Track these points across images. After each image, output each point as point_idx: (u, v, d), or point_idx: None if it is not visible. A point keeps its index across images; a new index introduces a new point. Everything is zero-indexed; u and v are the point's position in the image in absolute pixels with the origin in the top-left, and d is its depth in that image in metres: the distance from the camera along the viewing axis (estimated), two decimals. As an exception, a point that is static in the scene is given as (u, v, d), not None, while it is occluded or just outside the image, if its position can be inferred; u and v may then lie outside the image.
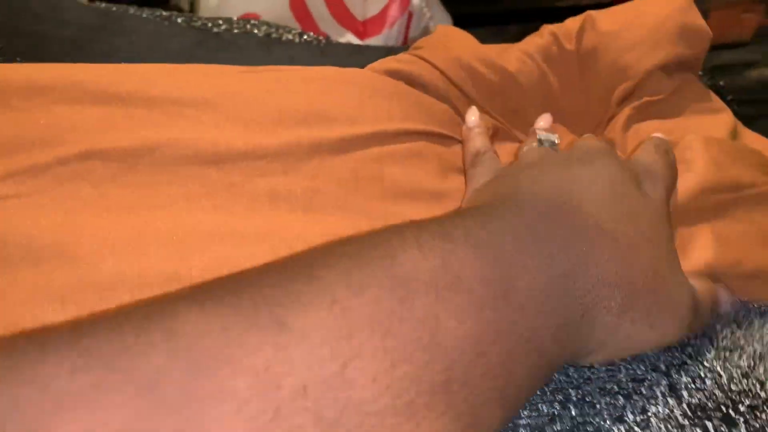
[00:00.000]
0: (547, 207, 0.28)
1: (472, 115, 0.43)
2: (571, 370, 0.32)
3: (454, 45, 0.47)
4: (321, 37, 0.59)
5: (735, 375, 0.33)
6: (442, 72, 0.43)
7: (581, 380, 0.32)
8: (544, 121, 0.44)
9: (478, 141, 0.40)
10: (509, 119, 0.46)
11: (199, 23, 0.57)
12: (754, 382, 0.33)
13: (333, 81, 0.40)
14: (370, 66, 0.45)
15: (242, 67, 0.42)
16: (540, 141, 0.37)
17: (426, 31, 0.89)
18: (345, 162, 0.37)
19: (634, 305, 0.29)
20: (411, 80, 0.43)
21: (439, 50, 0.45)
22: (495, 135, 0.44)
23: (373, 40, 0.84)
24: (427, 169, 0.39)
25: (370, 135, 0.38)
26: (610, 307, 0.28)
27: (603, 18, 0.48)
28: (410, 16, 0.88)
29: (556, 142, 0.38)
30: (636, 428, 0.30)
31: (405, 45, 0.87)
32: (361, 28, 0.85)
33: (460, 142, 0.43)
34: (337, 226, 0.35)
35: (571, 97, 0.49)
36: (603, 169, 0.30)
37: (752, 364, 0.34)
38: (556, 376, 0.32)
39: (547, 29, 0.50)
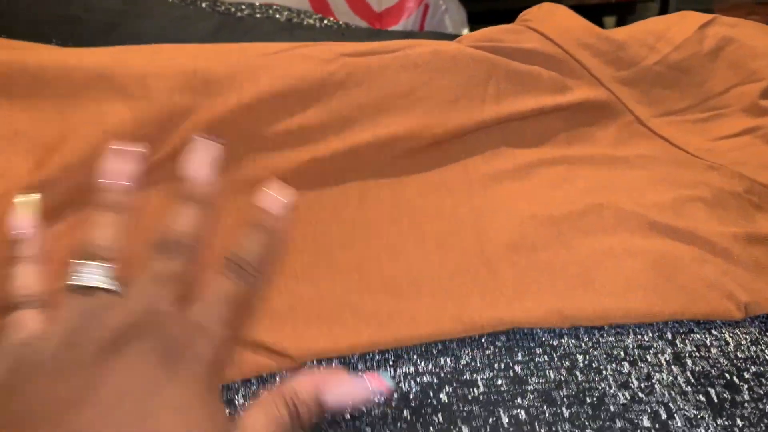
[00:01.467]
0: None
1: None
2: (582, 331, 0.33)
3: (562, 18, 0.47)
4: (341, 23, 0.60)
5: (743, 342, 0.34)
6: (552, 40, 0.44)
7: (590, 345, 0.33)
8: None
9: (27, 280, 0.28)
10: (617, 90, 0.45)
11: (222, 8, 0.59)
12: (763, 348, 0.34)
13: (434, 67, 0.41)
14: (470, 35, 0.46)
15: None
16: (74, 287, 0.26)
17: (441, 24, 0.89)
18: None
19: None
20: (515, 50, 0.43)
21: (547, 21, 0.46)
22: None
23: (389, 33, 0.85)
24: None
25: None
26: None
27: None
28: (426, 7, 0.88)
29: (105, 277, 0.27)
30: (640, 394, 0.31)
31: (427, 31, 0.87)
32: (377, 19, 0.86)
33: (567, 108, 0.43)
34: None
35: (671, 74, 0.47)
36: (131, 368, 0.24)
37: (765, 329, 0.35)
38: (565, 340, 0.33)
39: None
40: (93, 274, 0.27)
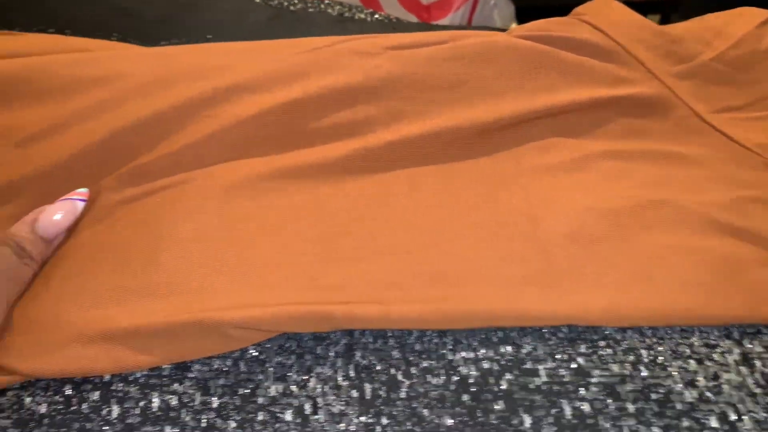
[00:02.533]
0: None
1: None
2: (646, 329, 0.32)
3: (616, 12, 0.47)
4: (392, 17, 0.61)
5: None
6: (605, 33, 0.44)
7: (654, 341, 0.32)
8: None
9: None
10: (673, 84, 0.44)
11: (275, 1, 0.59)
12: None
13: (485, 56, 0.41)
14: (521, 27, 0.45)
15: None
16: None
17: (490, 19, 0.89)
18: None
19: None
20: (567, 41, 0.43)
21: (601, 15, 0.46)
22: None
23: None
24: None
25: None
26: None
27: None
28: (475, 2, 0.88)
29: None
30: (708, 393, 0.30)
31: (475, 25, 0.87)
32: (426, 13, 0.86)
33: (622, 101, 0.42)
34: None
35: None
36: None
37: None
38: (629, 333, 0.32)
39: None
40: None
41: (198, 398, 0.29)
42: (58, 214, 0.33)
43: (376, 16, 0.59)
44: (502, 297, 0.31)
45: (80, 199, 0.34)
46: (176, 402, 0.29)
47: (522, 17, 0.94)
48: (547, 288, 0.32)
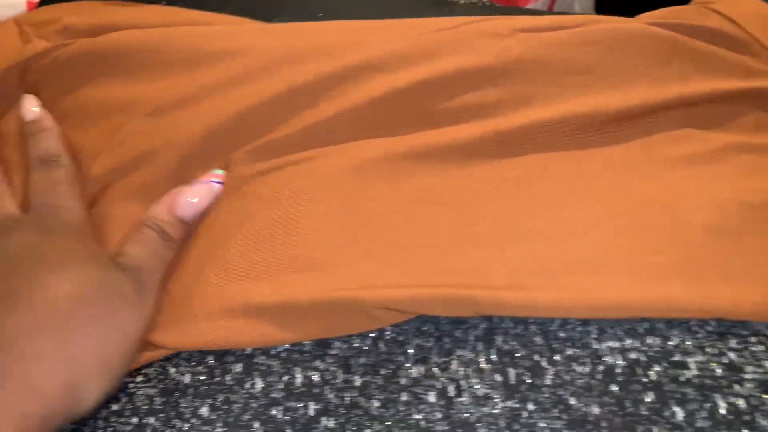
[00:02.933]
0: None
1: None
2: None
3: (746, 2, 0.45)
4: (486, 1, 0.60)
5: None
6: (737, 24, 0.43)
7: None
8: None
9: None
10: None
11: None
12: None
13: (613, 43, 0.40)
14: (648, 14, 0.44)
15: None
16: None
17: (571, 7, 0.88)
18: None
19: None
20: (699, 29, 0.42)
21: (731, 5, 0.44)
22: None
23: (517, 12, 0.84)
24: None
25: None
26: None
27: None
28: (557, -12, 0.87)
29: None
30: None
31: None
32: (506, 1, 0.85)
33: (756, 94, 0.40)
34: None
35: None
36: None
37: None
38: None
39: None
40: None
41: (340, 376, 0.29)
42: (195, 197, 0.33)
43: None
44: (648, 287, 0.31)
45: (217, 182, 0.34)
46: (318, 378, 0.29)
47: (600, 7, 0.92)
48: (693, 280, 0.31)
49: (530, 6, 0.85)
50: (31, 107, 0.37)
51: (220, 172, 0.35)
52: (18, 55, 0.40)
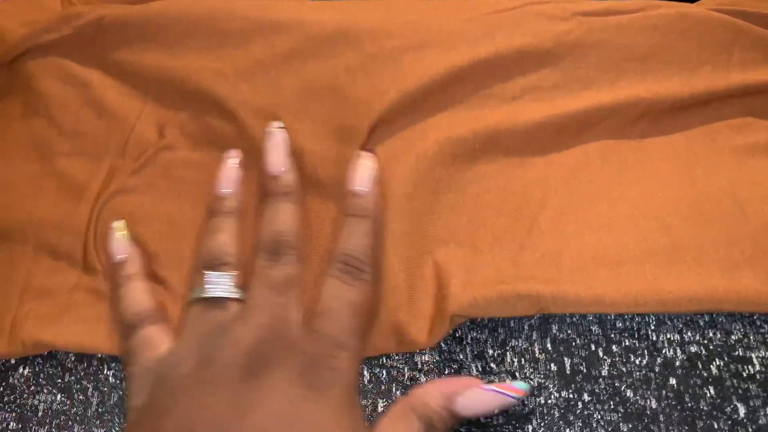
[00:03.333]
0: None
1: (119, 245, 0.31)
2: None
3: None
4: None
5: None
6: None
7: None
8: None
9: (136, 298, 0.29)
10: None
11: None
12: None
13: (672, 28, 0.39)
14: (713, 0, 0.43)
15: None
16: (200, 298, 0.27)
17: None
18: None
19: None
20: (763, 17, 0.40)
21: None
22: None
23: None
24: None
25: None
26: None
27: None
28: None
29: (228, 291, 0.27)
30: None
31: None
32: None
33: None
34: None
35: None
36: (278, 388, 0.24)
37: None
38: None
39: None
40: (219, 285, 0.27)
41: (406, 373, 0.30)
42: (482, 404, 0.27)
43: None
44: (718, 280, 0.30)
45: (511, 396, 0.27)
46: (385, 375, 0.30)
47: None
48: (764, 273, 0.30)
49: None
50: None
51: (522, 386, 0.27)
52: (59, 11, 0.40)
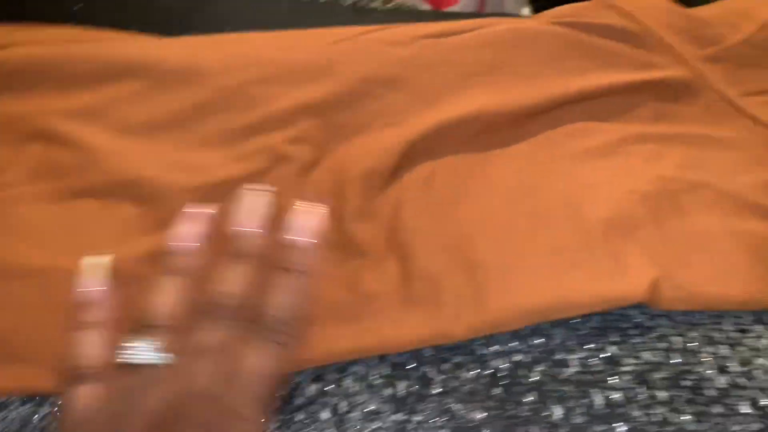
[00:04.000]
0: None
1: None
2: (677, 312, 0.32)
3: None
4: (406, 5, 0.60)
5: None
6: (633, 17, 0.43)
7: (685, 327, 0.32)
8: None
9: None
10: (702, 68, 0.44)
11: (290, -6, 0.59)
12: None
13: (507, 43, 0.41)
14: (548, 12, 0.45)
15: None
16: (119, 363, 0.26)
17: (500, 3, 0.88)
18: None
19: None
20: (595, 26, 0.43)
21: (628, 0, 0.45)
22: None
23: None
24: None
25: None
26: None
27: None
28: (488, -13, 0.87)
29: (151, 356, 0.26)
30: (739, 379, 0.30)
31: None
32: (437, 0, 0.86)
33: (652, 85, 0.42)
34: None
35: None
36: None
37: None
38: (660, 321, 0.32)
39: None
40: (142, 352, 0.26)
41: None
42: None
43: (389, 5, 0.59)
44: (548, 288, 0.32)
45: None
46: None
47: (534, 8, 0.92)
48: (593, 276, 0.32)
49: (459, 5, 0.85)
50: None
51: None
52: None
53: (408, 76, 0.40)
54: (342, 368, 0.31)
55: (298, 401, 0.30)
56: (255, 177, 0.36)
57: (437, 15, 0.60)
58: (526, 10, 0.96)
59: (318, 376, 0.31)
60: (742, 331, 0.32)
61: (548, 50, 0.42)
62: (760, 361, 0.31)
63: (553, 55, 0.42)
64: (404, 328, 0.30)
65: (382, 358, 0.31)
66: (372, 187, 0.36)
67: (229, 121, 0.38)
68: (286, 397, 0.30)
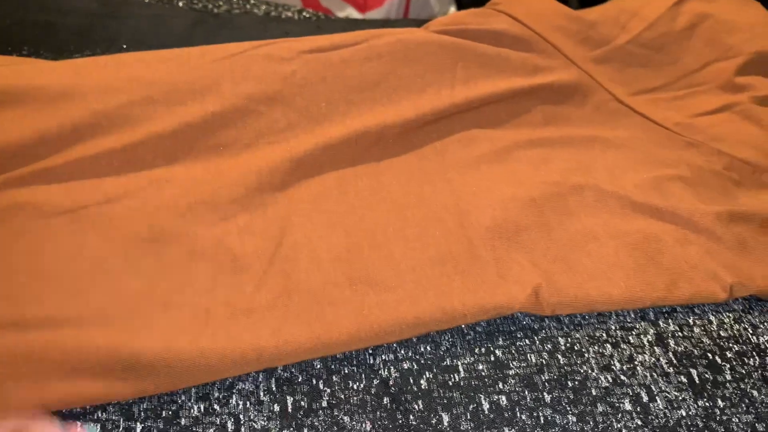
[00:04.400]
0: None
1: None
2: (564, 317, 0.33)
3: (531, 0, 0.46)
4: (321, 14, 0.60)
5: (726, 321, 0.33)
6: (521, 22, 0.44)
7: (571, 328, 0.32)
8: None
9: None
10: (591, 69, 0.44)
11: (200, 5, 0.58)
12: (746, 326, 0.33)
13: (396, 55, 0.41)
14: (437, 21, 0.45)
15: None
16: None
17: (427, 5, 0.89)
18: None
19: None
20: (483, 32, 0.43)
21: (516, 4, 0.45)
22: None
23: (374, 13, 0.84)
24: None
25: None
26: None
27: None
28: (412, -12, 0.88)
29: None
30: (622, 377, 0.31)
31: (406, 18, 0.87)
32: (362, 1, 0.85)
33: (541, 89, 0.42)
34: None
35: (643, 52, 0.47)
36: None
37: (747, 307, 0.34)
38: (546, 322, 0.32)
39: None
40: None
41: (121, 424, 0.29)
42: None
43: (304, 13, 0.59)
44: (432, 299, 0.31)
45: None
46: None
47: (461, 2, 0.93)
48: (475, 285, 0.32)
49: (385, 6, 0.86)
50: None
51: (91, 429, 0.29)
52: None
53: (293, 93, 0.39)
54: (229, 386, 0.30)
55: (184, 422, 0.29)
56: (133, 195, 0.35)
57: (349, 24, 0.60)
58: (452, 9, 0.97)
59: (204, 395, 0.30)
60: (626, 328, 0.33)
61: (435, 60, 0.42)
62: (642, 357, 0.31)
63: (440, 65, 0.42)
64: (283, 337, 0.30)
65: (269, 373, 0.31)
66: (258, 205, 0.36)
67: (110, 142, 0.36)
68: (170, 417, 0.29)
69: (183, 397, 0.30)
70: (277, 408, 0.30)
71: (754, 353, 0.32)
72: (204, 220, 0.35)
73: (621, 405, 0.30)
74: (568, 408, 0.29)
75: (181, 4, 0.57)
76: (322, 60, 0.40)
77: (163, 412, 0.30)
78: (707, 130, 0.44)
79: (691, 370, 0.31)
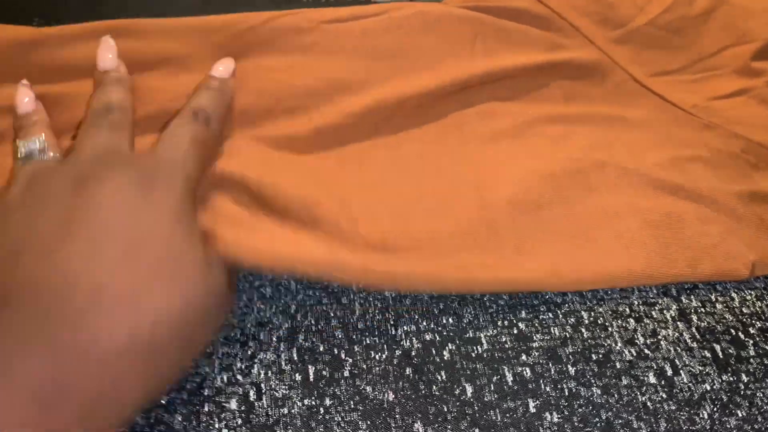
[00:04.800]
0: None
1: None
2: (586, 291, 0.33)
3: None
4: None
5: (749, 297, 0.33)
6: (542, 2, 0.44)
7: (594, 302, 0.32)
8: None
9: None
10: (610, 49, 0.44)
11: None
12: (768, 304, 0.33)
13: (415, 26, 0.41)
14: None
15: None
16: (24, 156, 0.29)
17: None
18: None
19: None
20: (503, 9, 0.43)
21: None
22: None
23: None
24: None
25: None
26: None
27: None
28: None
29: (41, 150, 0.29)
30: (646, 350, 0.31)
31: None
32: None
33: (561, 66, 0.42)
34: None
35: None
36: (111, 196, 0.25)
37: (768, 285, 0.34)
38: (569, 296, 0.32)
39: None
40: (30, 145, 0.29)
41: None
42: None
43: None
44: (451, 270, 0.31)
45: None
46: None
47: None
48: (494, 258, 0.32)
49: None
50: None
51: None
52: None
53: (310, 63, 0.39)
54: (251, 355, 0.30)
55: (207, 392, 0.29)
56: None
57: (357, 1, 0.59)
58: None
59: (227, 365, 0.30)
60: (649, 304, 0.32)
61: (455, 32, 0.42)
62: (665, 332, 0.31)
63: (459, 37, 0.42)
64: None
65: (291, 343, 0.30)
66: None
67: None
68: (194, 389, 0.29)
69: (207, 369, 0.30)
70: (299, 377, 0.29)
71: (776, 330, 0.32)
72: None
73: (645, 378, 0.29)
74: (593, 381, 0.29)
75: (192, -23, 0.57)
76: (343, 31, 0.40)
77: (188, 384, 0.29)
78: (724, 113, 0.44)
79: (715, 345, 0.31)
